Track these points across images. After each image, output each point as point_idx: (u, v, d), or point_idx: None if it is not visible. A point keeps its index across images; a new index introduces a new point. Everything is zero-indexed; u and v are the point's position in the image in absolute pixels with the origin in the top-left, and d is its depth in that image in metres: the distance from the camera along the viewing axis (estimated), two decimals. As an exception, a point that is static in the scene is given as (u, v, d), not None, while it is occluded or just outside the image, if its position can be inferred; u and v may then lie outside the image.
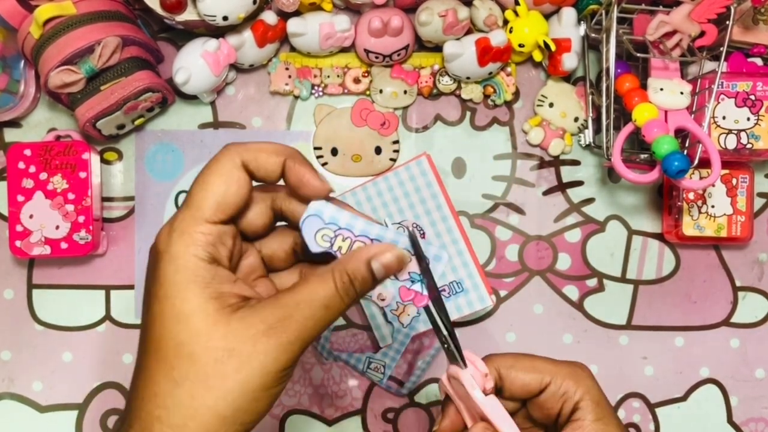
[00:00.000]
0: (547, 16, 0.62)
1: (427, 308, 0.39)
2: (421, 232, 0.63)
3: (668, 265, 0.67)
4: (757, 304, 0.67)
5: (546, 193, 0.66)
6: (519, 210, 0.66)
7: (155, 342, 0.34)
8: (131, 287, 0.65)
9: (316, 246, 0.37)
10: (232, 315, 0.33)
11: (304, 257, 0.40)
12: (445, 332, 0.39)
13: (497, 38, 0.60)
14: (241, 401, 0.33)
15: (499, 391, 0.42)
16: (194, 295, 0.33)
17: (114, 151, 0.65)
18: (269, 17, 0.60)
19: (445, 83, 0.65)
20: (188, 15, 0.58)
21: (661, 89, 0.58)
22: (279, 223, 0.40)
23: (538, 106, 0.65)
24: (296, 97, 0.66)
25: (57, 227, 0.61)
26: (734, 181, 0.64)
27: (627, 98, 0.58)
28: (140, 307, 0.65)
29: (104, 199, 0.65)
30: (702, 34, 0.57)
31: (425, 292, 0.39)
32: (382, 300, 0.38)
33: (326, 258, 0.37)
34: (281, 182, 0.37)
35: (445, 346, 0.40)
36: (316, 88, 0.65)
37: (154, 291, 0.34)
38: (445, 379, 0.43)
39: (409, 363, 0.65)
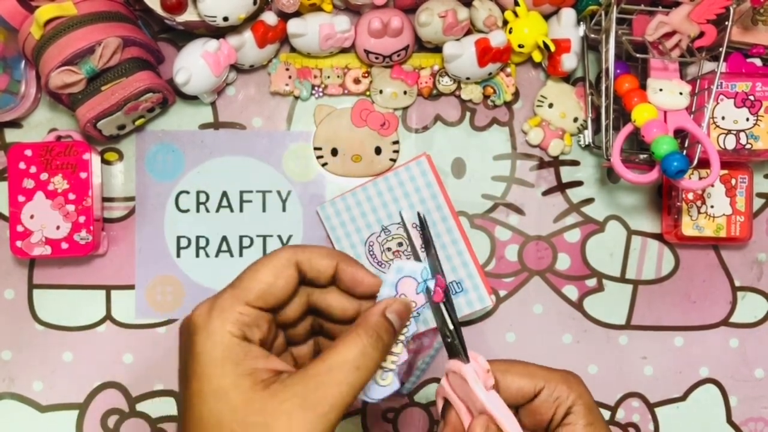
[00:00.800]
0: (547, 17, 0.63)
1: (433, 305, 0.40)
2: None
3: (667, 265, 0.67)
4: (756, 304, 0.67)
5: (545, 193, 0.67)
6: (518, 210, 0.66)
7: (196, 420, 0.34)
8: (132, 287, 0.65)
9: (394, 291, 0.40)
10: (265, 390, 0.34)
11: (320, 330, 0.43)
12: (450, 326, 0.40)
13: (497, 39, 0.60)
14: None
15: None
16: (230, 371, 0.34)
17: (114, 151, 0.66)
18: (269, 18, 0.60)
19: (445, 84, 0.65)
20: (189, 16, 0.58)
21: (661, 90, 0.58)
22: None
23: (537, 106, 0.65)
24: (296, 98, 0.66)
25: (57, 227, 0.61)
26: (733, 181, 0.64)
27: (626, 99, 0.58)
28: (141, 307, 0.66)
29: (105, 200, 0.65)
30: (701, 34, 0.57)
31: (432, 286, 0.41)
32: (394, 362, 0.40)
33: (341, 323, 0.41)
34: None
35: (449, 340, 0.40)
36: (316, 88, 0.65)
37: (192, 367, 0.35)
38: (445, 377, 0.43)
39: (409, 363, 0.65)
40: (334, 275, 0.39)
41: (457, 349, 0.41)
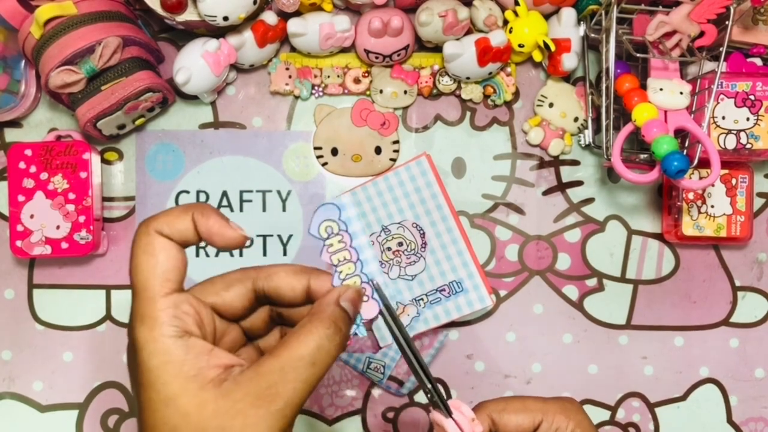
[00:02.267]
0: (547, 17, 0.63)
1: (408, 360, 0.39)
2: (421, 231, 0.63)
3: (668, 264, 0.67)
4: (756, 303, 0.67)
5: (546, 193, 0.66)
6: (519, 210, 0.66)
7: (150, 429, 0.33)
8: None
9: (315, 230, 0.38)
10: (217, 389, 0.32)
11: (281, 320, 0.40)
12: (428, 385, 0.39)
13: (497, 38, 0.60)
14: None
15: None
16: (173, 377, 0.32)
17: (114, 151, 0.66)
18: (269, 17, 0.60)
19: (445, 83, 0.65)
20: (189, 15, 0.58)
21: (661, 89, 0.58)
22: None
23: (537, 106, 0.65)
24: (296, 97, 0.66)
25: (57, 227, 0.61)
26: (734, 181, 0.64)
27: (627, 98, 0.58)
28: (141, 306, 0.65)
29: (105, 199, 0.65)
30: (701, 34, 0.57)
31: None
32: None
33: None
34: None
35: (429, 395, 0.40)
36: (316, 88, 0.65)
37: (137, 380, 0.34)
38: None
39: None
40: (195, 230, 0.36)
41: (437, 404, 0.40)
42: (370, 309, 0.39)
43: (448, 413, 0.40)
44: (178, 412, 0.32)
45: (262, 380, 0.33)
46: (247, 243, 0.37)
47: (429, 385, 0.39)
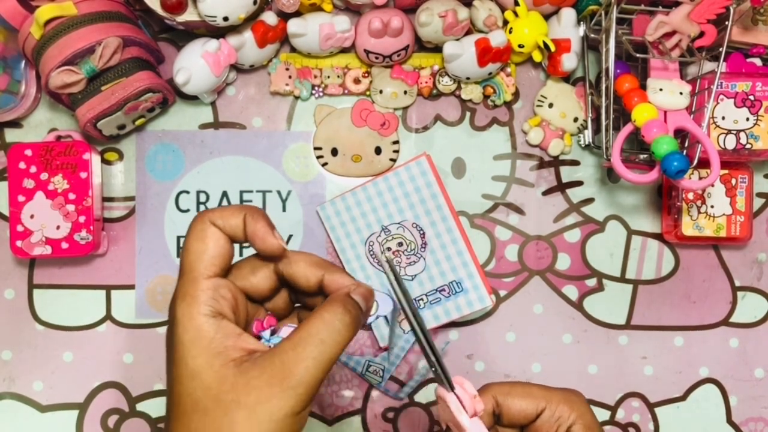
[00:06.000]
0: (547, 17, 0.63)
1: (416, 335, 0.40)
2: (421, 232, 0.63)
3: (667, 265, 0.67)
4: (756, 303, 0.67)
5: (545, 193, 0.67)
6: (519, 210, 0.66)
7: (176, 400, 0.36)
8: (132, 287, 0.65)
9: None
10: (236, 369, 0.35)
11: (302, 305, 0.43)
12: (432, 357, 0.40)
13: (497, 39, 0.60)
14: None
15: (498, 420, 0.44)
16: (200, 352, 0.35)
17: (115, 151, 0.66)
18: (269, 18, 0.60)
19: (445, 84, 0.65)
20: (189, 15, 0.58)
21: (661, 89, 0.58)
22: None
23: (537, 106, 0.65)
24: (296, 98, 0.66)
25: (58, 227, 0.61)
26: (733, 181, 0.64)
27: (626, 98, 0.58)
28: (141, 307, 0.66)
29: (105, 199, 0.65)
30: (701, 34, 0.57)
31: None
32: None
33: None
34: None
35: (433, 369, 0.40)
36: (316, 88, 0.65)
37: (170, 356, 0.37)
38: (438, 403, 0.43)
39: (411, 365, 0.65)
40: (244, 229, 0.39)
41: (441, 379, 0.41)
42: (384, 305, 0.42)
43: (451, 388, 0.41)
44: (201, 385, 0.35)
45: (277, 359, 0.35)
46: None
47: (434, 358, 0.40)
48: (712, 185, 0.63)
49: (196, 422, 0.35)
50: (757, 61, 0.63)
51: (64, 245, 0.61)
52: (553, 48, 0.61)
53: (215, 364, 0.35)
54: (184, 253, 0.38)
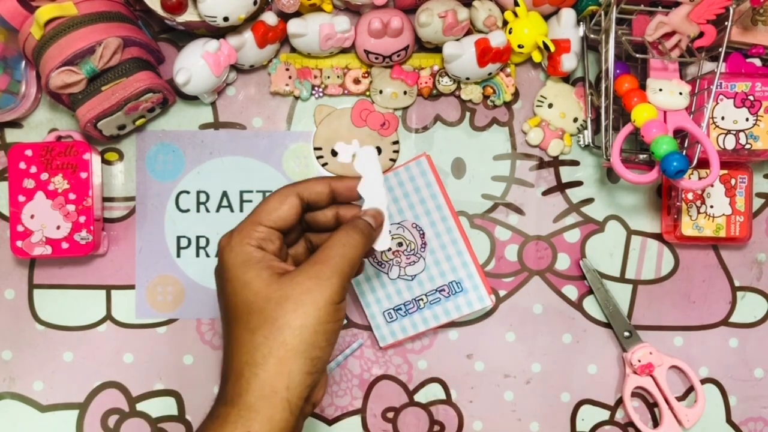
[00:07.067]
0: (547, 17, 0.63)
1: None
2: (421, 232, 0.63)
3: (667, 265, 0.67)
4: (755, 303, 0.67)
5: (545, 193, 0.67)
6: (518, 210, 0.66)
7: (232, 309, 0.44)
8: (132, 287, 0.65)
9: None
10: (281, 276, 0.44)
11: (307, 228, 0.52)
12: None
13: (497, 39, 0.60)
14: (305, 334, 0.42)
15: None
16: (251, 268, 0.44)
17: (115, 151, 0.66)
18: (270, 18, 0.60)
19: (445, 84, 0.65)
20: (189, 16, 0.58)
21: (660, 90, 0.58)
22: None
23: (537, 106, 0.65)
24: (296, 98, 0.66)
25: (58, 227, 0.61)
26: (733, 181, 0.64)
27: (626, 99, 0.58)
28: (141, 307, 0.66)
29: (105, 200, 0.65)
30: (701, 34, 0.57)
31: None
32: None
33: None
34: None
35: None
36: (316, 88, 0.65)
37: (223, 276, 0.45)
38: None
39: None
40: (330, 194, 0.49)
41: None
42: (383, 242, 0.49)
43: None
44: (252, 291, 0.43)
45: (313, 260, 0.44)
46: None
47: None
48: (712, 185, 0.63)
49: (252, 320, 0.43)
50: (757, 62, 0.63)
51: (65, 245, 0.61)
52: (552, 48, 0.61)
53: (263, 274, 0.43)
54: (260, 204, 0.47)
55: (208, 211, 0.65)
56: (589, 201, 0.67)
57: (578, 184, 0.67)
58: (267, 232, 0.46)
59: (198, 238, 0.65)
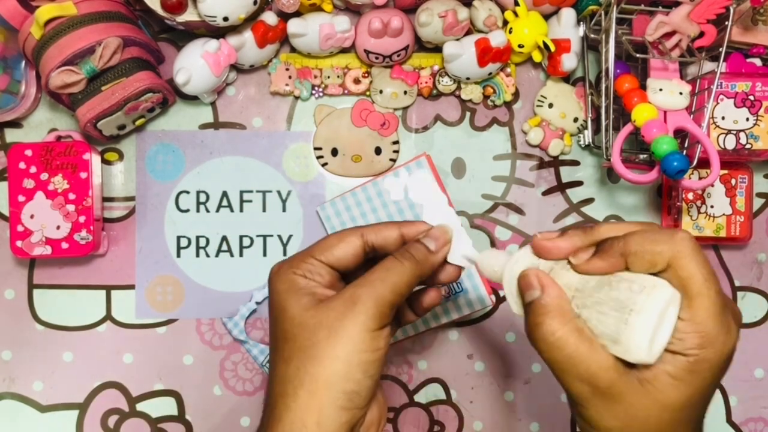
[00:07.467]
0: (547, 17, 0.63)
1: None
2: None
3: (667, 265, 0.67)
4: (756, 304, 0.67)
5: (545, 193, 0.67)
6: (518, 210, 0.66)
7: (272, 337, 0.43)
8: (132, 287, 0.65)
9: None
10: (318, 302, 0.41)
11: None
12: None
13: (497, 39, 0.60)
14: (337, 365, 0.39)
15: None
16: (292, 295, 0.42)
17: (115, 151, 0.66)
18: (269, 18, 0.60)
19: (445, 84, 0.65)
20: (189, 16, 0.58)
21: (661, 90, 0.58)
22: None
23: (537, 106, 0.65)
24: (296, 98, 0.66)
25: (58, 227, 0.61)
26: (733, 181, 0.64)
27: (626, 99, 0.58)
28: (141, 307, 0.66)
29: (105, 200, 0.65)
30: (701, 34, 0.57)
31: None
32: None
33: None
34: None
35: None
36: (316, 88, 0.65)
37: (269, 304, 0.44)
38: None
39: None
40: (399, 239, 0.45)
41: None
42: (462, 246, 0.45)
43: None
44: (289, 317, 0.41)
45: (350, 286, 0.42)
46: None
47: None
48: (712, 185, 0.63)
49: (286, 349, 0.41)
50: (757, 61, 0.63)
51: (64, 245, 0.61)
52: (552, 48, 0.61)
53: (303, 300, 0.41)
54: (319, 240, 0.45)
55: (208, 211, 0.65)
56: (589, 201, 0.67)
57: (578, 184, 0.67)
58: (318, 266, 0.44)
59: (198, 238, 0.65)
